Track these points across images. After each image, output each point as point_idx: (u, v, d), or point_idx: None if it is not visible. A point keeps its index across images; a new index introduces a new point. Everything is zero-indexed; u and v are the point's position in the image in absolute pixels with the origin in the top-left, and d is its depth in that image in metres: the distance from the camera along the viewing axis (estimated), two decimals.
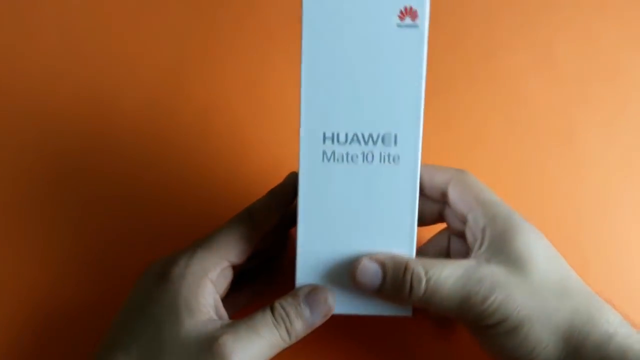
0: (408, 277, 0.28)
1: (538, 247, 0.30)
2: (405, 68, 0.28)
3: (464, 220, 0.32)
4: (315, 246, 0.29)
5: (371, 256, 0.29)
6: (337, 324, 0.30)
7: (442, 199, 0.33)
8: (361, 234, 0.29)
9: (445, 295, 0.28)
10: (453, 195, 0.32)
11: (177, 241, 0.33)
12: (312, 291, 0.29)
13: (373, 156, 0.29)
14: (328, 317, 0.29)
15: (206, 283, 0.29)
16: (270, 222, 0.32)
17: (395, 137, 0.28)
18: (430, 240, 0.35)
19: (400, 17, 0.28)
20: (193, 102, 0.43)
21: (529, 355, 0.28)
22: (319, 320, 0.29)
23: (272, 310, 0.29)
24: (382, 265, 0.29)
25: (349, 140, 0.28)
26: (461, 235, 0.32)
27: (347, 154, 0.28)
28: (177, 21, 0.45)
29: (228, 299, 0.32)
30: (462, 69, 0.44)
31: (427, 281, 0.28)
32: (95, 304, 0.37)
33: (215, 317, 0.29)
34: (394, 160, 0.29)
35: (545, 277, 0.29)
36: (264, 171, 0.40)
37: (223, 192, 0.38)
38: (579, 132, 0.43)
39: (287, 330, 0.28)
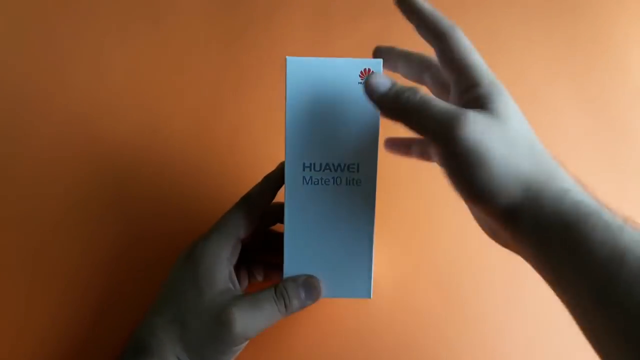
0: (407, 89, 0.30)
1: (515, 111, 0.31)
2: (364, 114, 0.34)
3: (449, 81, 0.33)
4: (298, 246, 0.36)
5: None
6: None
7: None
8: (332, 237, 0.35)
9: (434, 110, 0.29)
10: (442, 57, 0.32)
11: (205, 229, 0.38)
12: (308, 279, 0.35)
13: (341, 180, 0.35)
14: (317, 300, 0.35)
15: (221, 260, 0.35)
16: (266, 201, 0.37)
17: (358, 165, 0.35)
18: None
19: (361, 76, 0.34)
20: (226, 123, 0.50)
21: (491, 193, 0.28)
22: (310, 301, 0.35)
23: (276, 289, 0.34)
24: (392, 79, 0.31)
25: (322, 168, 0.35)
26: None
27: (321, 179, 0.35)
28: (213, 63, 0.53)
29: (245, 273, 0.38)
30: None
31: (421, 95, 0.30)
32: (141, 281, 0.44)
33: (231, 286, 0.35)
34: (356, 182, 0.35)
35: (518, 132, 0.30)
36: None
37: (246, 190, 0.42)
38: None
39: (285, 306, 0.34)
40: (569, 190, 0.28)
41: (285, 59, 0.34)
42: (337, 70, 0.34)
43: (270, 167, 0.39)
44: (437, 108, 0.29)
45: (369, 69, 0.34)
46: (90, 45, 0.54)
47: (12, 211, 0.47)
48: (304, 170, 0.35)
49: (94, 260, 0.45)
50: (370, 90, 0.31)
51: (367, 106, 0.34)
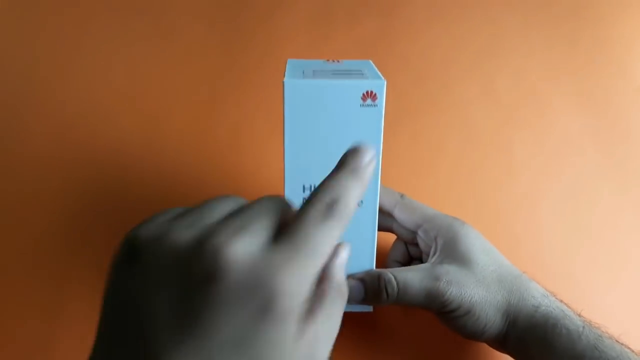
0: (382, 284, 0.34)
1: (477, 245, 0.36)
2: (366, 137, 0.33)
3: (413, 233, 0.38)
4: None
5: (352, 276, 0.35)
6: None
7: (389, 217, 0.39)
8: None
9: (413, 293, 0.34)
10: (401, 217, 0.38)
11: None
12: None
13: None
14: None
15: None
16: None
17: None
18: (392, 247, 0.41)
19: (363, 98, 0.32)
20: (225, 122, 0.50)
21: (482, 331, 0.34)
22: None
23: None
24: (362, 280, 0.35)
25: None
26: (412, 243, 0.39)
27: None
28: (214, 63, 0.53)
29: None
30: (426, 98, 0.51)
31: (397, 284, 0.34)
32: None
33: None
34: (358, 204, 0.34)
35: (485, 268, 0.35)
36: (279, 175, 0.46)
37: (246, 190, 0.42)
38: (512, 145, 0.50)
39: None
40: (539, 306, 0.34)
41: (283, 83, 0.32)
42: (338, 93, 0.33)
43: (270, 168, 0.38)
44: (414, 289, 0.34)
45: (372, 91, 0.33)
46: (90, 45, 0.54)
47: (9, 210, 0.46)
48: (304, 191, 0.34)
49: (91, 260, 0.44)
50: (348, 301, 0.35)
51: (369, 128, 0.33)
